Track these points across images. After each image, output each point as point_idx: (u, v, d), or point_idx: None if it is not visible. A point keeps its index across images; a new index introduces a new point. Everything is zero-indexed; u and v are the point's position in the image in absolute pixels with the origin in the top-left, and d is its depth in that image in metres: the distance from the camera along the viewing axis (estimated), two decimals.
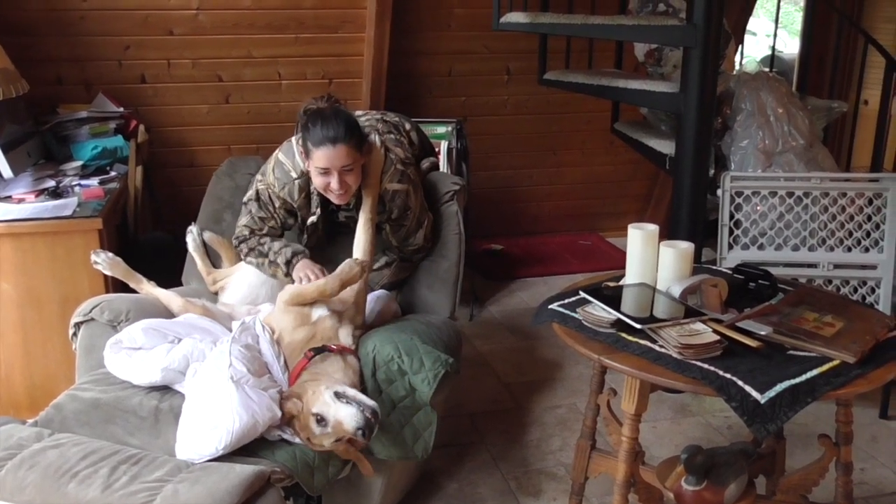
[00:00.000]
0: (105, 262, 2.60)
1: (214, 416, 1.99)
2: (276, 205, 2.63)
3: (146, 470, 1.88)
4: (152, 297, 2.59)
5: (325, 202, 2.61)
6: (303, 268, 2.53)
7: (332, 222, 2.71)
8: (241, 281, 2.70)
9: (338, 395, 2.06)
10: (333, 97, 2.59)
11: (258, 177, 2.66)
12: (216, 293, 2.78)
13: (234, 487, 1.80)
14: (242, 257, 2.70)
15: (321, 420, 2.04)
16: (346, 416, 2.02)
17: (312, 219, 2.64)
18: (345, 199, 2.51)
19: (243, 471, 1.86)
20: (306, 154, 2.45)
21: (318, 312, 2.36)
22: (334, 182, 2.42)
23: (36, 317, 2.79)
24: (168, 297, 2.55)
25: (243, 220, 2.68)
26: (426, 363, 2.24)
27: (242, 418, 1.98)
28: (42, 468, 1.88)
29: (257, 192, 2.65)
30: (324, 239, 2.73)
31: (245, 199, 2.68)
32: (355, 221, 2.58)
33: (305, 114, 2.49)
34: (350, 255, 2.50)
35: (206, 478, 1.83)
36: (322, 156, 2.39)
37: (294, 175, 2.58)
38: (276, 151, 2.63)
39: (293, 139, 2.61)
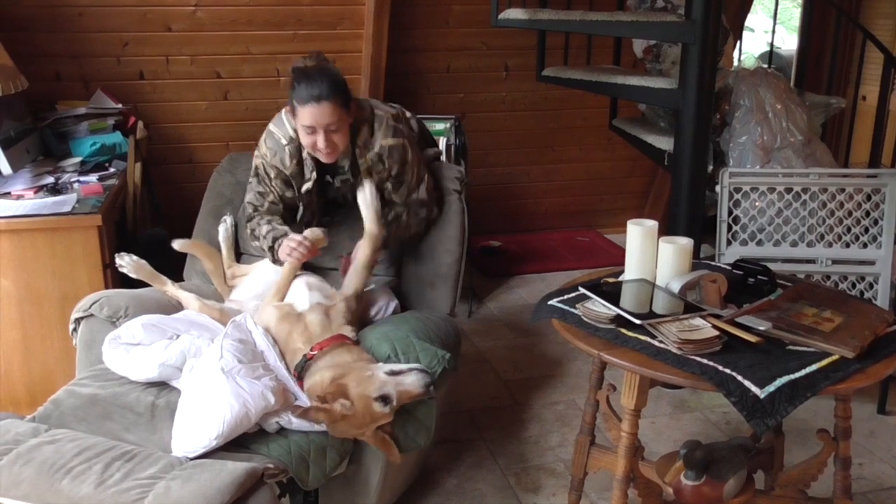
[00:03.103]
0: (130, 265, 2.60)
1: (207, 408, 2.00)
2: (272, 176, 2.64)
3: (140, 467, 1.88)
4: (164, 296, 2.61)
5: (320, 169, 2.62)
6: (285, 249, 2.53)
7: (325, 186, 2.69)
8: (257, 279, 2.69)
9: (392, 373, 2.11)
10: (322, 55, 2.58)
11: (255, 152, 2.68)
12: (230, 287, 2.78)
13: (226, 486, 1.80)
14: (249, 238, 2.74)
15: (386, 399, 2.06)
16: (411, 383, 2.08)
17: (308, 185, 2.63)
18: (332, 157, 2.51)
19: (235, 469, 1.86)
20: (293, 113, 2.45)
21: (303, 306, 2.37)
22: (320, 141, 2.43)
23: (35, 313, 2.78)
24: (188, 298, 2.56)
25: (247, 197, 2.73)
26: (422, 361, 2.23)
27: (234, 408, 1.99)
28: (37, 464, 1.88)
29: (255, 168, 2.68)
30: (318, 212, 2.73)
31: (249, 178, 2.73)
32: (350, 186, 2.61)
33: (293, 72, 2.49)
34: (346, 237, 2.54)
35: (199, 475, 1.83)
36: (307, 114, 2.39)
37: (284, 142, 2.59)
38: (269, 124, 2.65)
39: (283, 109, 2.63)
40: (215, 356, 2.11)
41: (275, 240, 2.60)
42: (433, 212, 2.77)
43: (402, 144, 2.60)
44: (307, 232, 2.53)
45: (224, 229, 2.88)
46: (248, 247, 2.93)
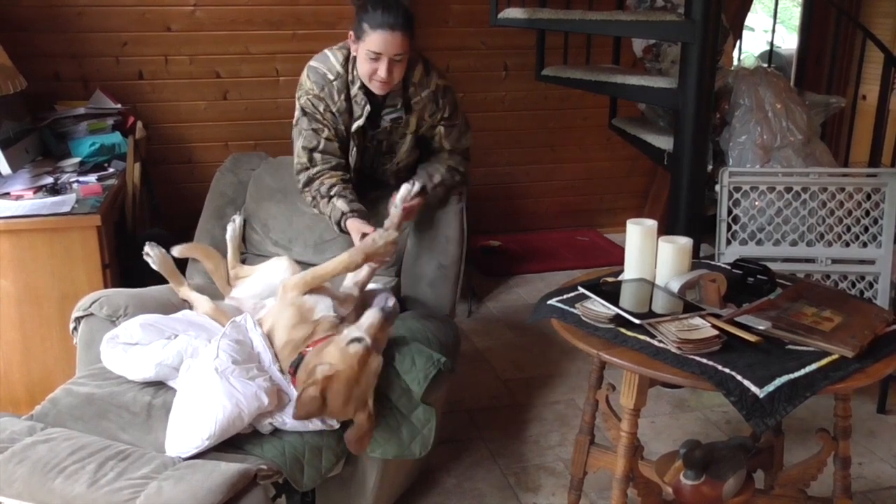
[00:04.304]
0: (156, 257, 2.58)
1: (200, 408, 2.00)
2: (322, 109, 2.63)
3: (133, 466, 1.88)
4: (163, 296, 2.61)
5: (372, 106, 2.61)
6: (354, 228, 2.51)
7: (366, 129, 2.68)
8: (259, 279, 2.68)
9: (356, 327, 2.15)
10: None
11: (297, 94, 2.67)
12: (232, 287, 2.77)
13: (217, 486, 1.79)
14: (309, 203, 2.70)
15: (359, 339, 2.09)
16: (370, 316, 2.15)
17: (360, 122, 2.62)
18: (386, 88, 2.52)
19: (228, 469, 1.85)
20: (357, 37, 2.46)
21: (322, 312, 2.34)
22: (382, 69, 2.44)
23: (34, 313, 2.78)
24: (200, 301, 2.55)
25: (298, 143, 2.68)
26: (417, 363, 2.23)
27: (226, 408, 1.99)
28: (31, 462, 1.88)
29: (301, 108, 2.66)
30: (366, 157, 2.74)
31: (294, 123, 2.70)
32: (395, 128, 2.64)
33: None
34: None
35: (191, 476, 1.83)
36: (378, 40, 2.40)
37: (331, 77, 2.59)
38: (309, 62, 2.65)
39: (326, 49, 2.64)
40: (211, 356, 2.12)
41: (342, 215, 2.55)
42: (467, 169, 2.82)
43: (452, 87, 2.66)
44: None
45: (232, 229, 2.85)
46: (252, 248, 2.92)
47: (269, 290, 2.59)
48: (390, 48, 2.41)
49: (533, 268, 4.75)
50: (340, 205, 2.59)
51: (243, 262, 2.88)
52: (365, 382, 2.08)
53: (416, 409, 2.22)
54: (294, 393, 2.19)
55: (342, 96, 2.60)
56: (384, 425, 2.17)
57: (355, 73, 2.57)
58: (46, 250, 2.74)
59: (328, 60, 2.61)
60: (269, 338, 2.30)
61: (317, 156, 2.66)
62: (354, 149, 2.70)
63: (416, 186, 2.57)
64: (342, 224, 2.58)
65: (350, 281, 2.52)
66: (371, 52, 2.42)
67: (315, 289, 2.37)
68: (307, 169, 2.67)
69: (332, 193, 2.62)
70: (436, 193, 2.70)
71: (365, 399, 2.09)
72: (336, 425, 2.16)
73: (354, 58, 2.55)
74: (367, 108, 2.60)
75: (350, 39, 2.52)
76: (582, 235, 5.29)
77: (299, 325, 2.28)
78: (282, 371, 2.24)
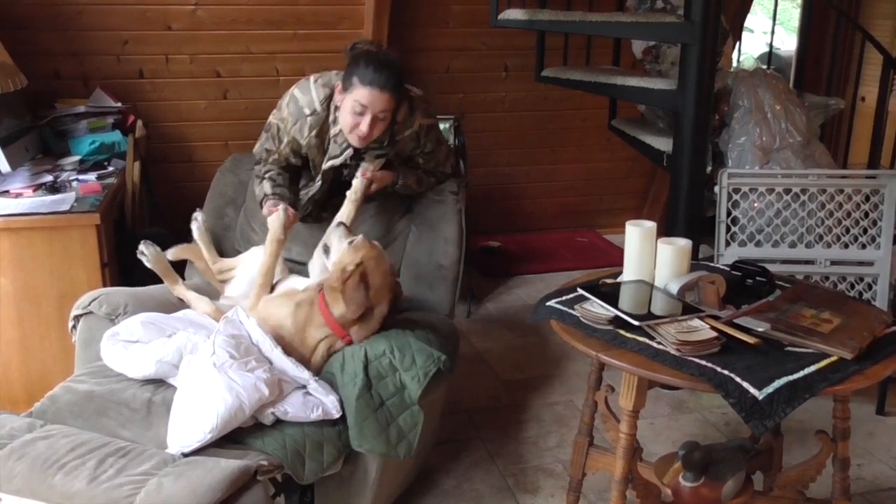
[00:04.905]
0: (151, 256, 2.58)
1: (201, 402, 2.00)
2: (284, 141, 2.67)
3: (133, 463, 1.88)
4: (162, 295, 2.61)
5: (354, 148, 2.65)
6: (266, 209, 2.60)
7: (342, 166, 2.71)
8: (245, 275, 2.69)
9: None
10: (379, 45, 2.63)
11: (273, 111, 2.71)
12: (223, 283, 2.77)
13: (218, 483, 1.80)
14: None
15: (351, 241, 2.33)
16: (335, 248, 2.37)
17: (336, 161, 2.65)
18: (364, 143, 2.54)
19: (228, 466, 1.86)
20: (345, 88, 2.47)
21: (305, 284, 2.41)
22: (365, 124, 2.46)
23: (33, 312, 2.78)
24: (197, 300, 2.55)
25: (256, 146, 2.79)
26: (417, 361, 2.23)
27: (227, 401, 1.99)
28: (30, 459, 1.88)
29: (268, 125, 2.71)
30: (334, 189, 2.76)
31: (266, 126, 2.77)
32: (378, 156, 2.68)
33: (353, 50, 2.52)
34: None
35: (191, 472, 1.83)
36: (366, 95, 2.43)
37: (307, 112, 2.61)
38: (292, 87, 2.66)
39: (311, 77, 2.64)
40: (208, 352, 2.13)
41: (263, 196, 2.67)
42: (446, 180, 2.88)
43: (436, 124, 2.70)
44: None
45: (196, 227, 2.82)
46: (243, 244, 2.92)
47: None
48: (377, 104, 2.44)
49: (532, 268, 4.75)
50: (266, 186, 2.69)
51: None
52: (387, 255, 2.29)
53: (404, 411, 2.22)
54: (299, 374, 2.20)
55: (313, 132, 2.62)
56: (374, 423, 2.18)
57: (337, 114, 2.58)
58: (45, 249, 2.74)
59: (310, 94, 2.62)
60: (275, 332, 2.31)
61: (267, 162, 2.77)
62: (320, 182, 2.72)
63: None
64: (262, 204, 2.67)
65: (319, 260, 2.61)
66: (357, 104, 2.44)
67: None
68: (258, 162, 2.80)
69: (264, 175, 2.72)
70: (403, 173, 2.74)
71: (395, 267, 2.26)
72: (336, 415, 2.17)
73: (337, 107, 2.57)
74: (349, 151, 2.62)
75: (337, 90, 2.53)
76: (581, 236, 5.30)
77: (292, 294, 2.39)
78: (285, 353, 2.25)
